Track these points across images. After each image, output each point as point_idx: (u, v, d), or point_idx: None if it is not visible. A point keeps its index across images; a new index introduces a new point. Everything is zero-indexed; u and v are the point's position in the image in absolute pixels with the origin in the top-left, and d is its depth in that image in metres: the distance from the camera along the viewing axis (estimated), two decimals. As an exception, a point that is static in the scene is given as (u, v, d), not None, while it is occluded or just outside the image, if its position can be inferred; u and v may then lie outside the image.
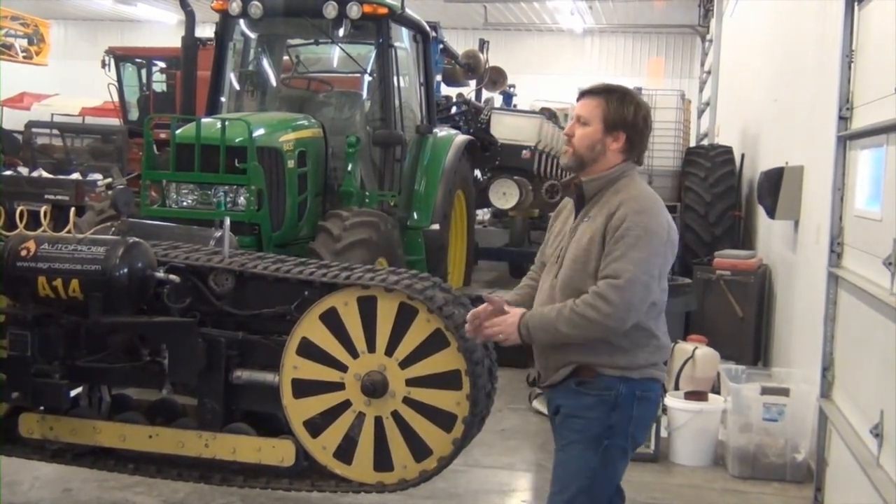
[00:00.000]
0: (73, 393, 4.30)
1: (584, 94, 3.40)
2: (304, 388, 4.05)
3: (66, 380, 4.19)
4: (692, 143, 14.52)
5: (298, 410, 4.06)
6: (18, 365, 4.15)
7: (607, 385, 3.25)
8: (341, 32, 7.81)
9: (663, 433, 6.12)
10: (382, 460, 4.01)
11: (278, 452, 4.11)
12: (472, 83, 13.02)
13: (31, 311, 4.10)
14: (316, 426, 4.06)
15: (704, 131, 16.70)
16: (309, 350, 4.04)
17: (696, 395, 6.24)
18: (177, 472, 4.30)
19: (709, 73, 16.51)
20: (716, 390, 6.58)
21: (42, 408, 4.30)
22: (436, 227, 8.36)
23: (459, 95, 12.06)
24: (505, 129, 11.42)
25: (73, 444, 4.34)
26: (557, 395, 3.37)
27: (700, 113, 17.85)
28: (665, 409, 6.09)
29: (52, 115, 20.56)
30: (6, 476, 5.44)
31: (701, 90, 18.82)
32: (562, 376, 3.30)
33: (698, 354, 6.76)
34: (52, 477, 5.41)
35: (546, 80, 22.68)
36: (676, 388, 6.61)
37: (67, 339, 4.20)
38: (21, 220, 4.37)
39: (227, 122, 6.69)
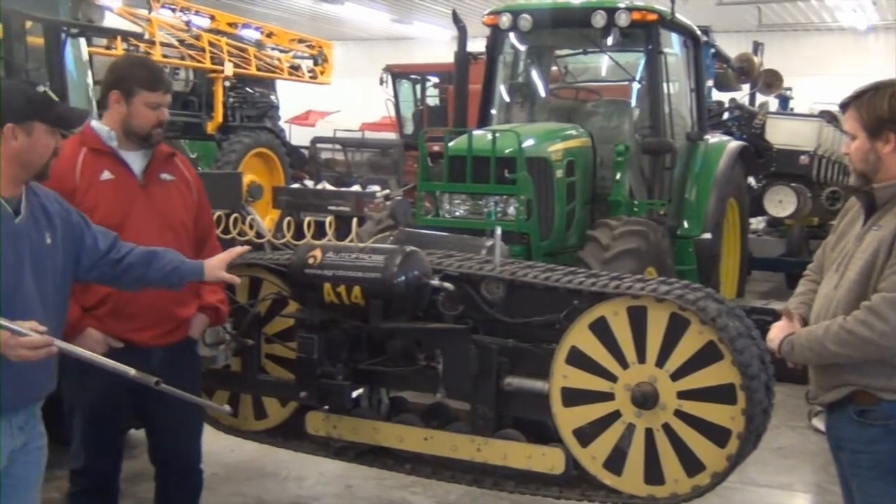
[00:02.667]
0: (354, 394, 4.50)
1: (842, 108, 3.19)
2: (573, 397, 4.05)
3: (349, 381, 4.39)
4: None
5: (568, 419, 4.07)
6: (306, 366, 4.40)
7: (891, 413, 3.02)
8: (610, 41, 7.77)
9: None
10: (653, 473, 3.94)
11: (548, 460, 4.13)
12: (746, 87, 12.59)
13: (318, 316, 4.33)
14: (585, 435, 4.04)
15: None
16: (578, 359, 4.03)
17: None
18: (450, 475, 4.41)
19: None
20: None
21: (326, 407, 4.52)
22: (707, 236, 8.15)
23: (732, 100, 11.71)
24: (781, 133, 10.96)
25: (354, 443, 4.55)
26: (836, 423, 3.18)
27: None
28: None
29: (335, 130, 21.75)
30: (294, 470, 5.81)
31: None
32: (834, 397, 3.11)
33: None
34: (335, 473, 5.71)
35: (825, 81, 21.47)
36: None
37: (350, 342, 4.40)
38: (308, 230, 4.66)
39: (497, 134, 6.81)
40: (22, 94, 3.12)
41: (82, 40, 6.54)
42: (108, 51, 11.76)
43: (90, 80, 6.62)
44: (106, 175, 3.85)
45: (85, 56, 6.69)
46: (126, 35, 10.39)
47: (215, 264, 3.71)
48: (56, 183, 3.77)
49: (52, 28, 6.13)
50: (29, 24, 6.32)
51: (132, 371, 3.18)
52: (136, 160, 3.93)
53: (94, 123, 3.95)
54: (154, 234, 3.83)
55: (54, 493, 4.95)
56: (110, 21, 7.05)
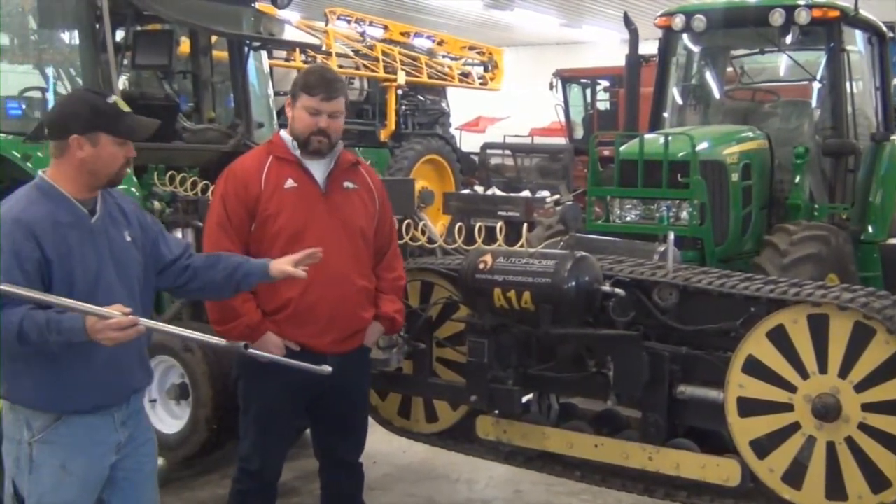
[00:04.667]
0: (524, 399, 4.52)
1: None
2: (750, 408, 3.93)
3: (519, 386, 4.40)
4: None
5: (744, 430, 3.95)
6: (476, 370, 4.44)
7: None
8: (789, 40, 7.51)
9: None
10: (835, 488, 3.77)
11: (723, 471, 4.03)
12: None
13: (488, 320, 4.36)
14: (763, 447, 3.92)
15: None
16: (755, 368, 3.92)
17: None
18: (621, 483, 4.36)
19: None
20: None
21: (496, 411, 4.56)
22: (894, 241, 7.77)
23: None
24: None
25: (524, 448, 4.56)
26: None
27: None
28: None
29: (505, 136, 21.83)
30: (464, 473, 5.86)
31: None
32: None
33: None
34: (505, 477, 5.73)
35: None
36: None
37: (520, 347, 4.41)
38: (479, 235, 4.70)
39: (670, 138, 6.70)
40: (87, 105, 3.16)
41: (263, 53, 6.81)
42: (287, 63, 12.21)
43: (271, 91, 6.89)
44: (290, 183, 3.94)
45: (266, 68, 6.96)
46: (304, 47, 10.72)
47: (283, 261, 3.57)
48: (241, 189, 3.93)
49: (237, 42, 6.40)
50: (214, 38, 6.63)
51: (223, 341, 3.23)
52: (319, 168, 4.00)
53: (282, 133, 4.07)
54: (333, 240, 3.90)
55: (218, 490, 5.18)
56: (289, 34, 7.30)
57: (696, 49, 8.26)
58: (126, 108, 3.22)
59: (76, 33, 5.59)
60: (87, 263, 3.11)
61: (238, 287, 3.57)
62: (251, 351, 3.22)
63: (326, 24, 15.56)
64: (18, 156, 4.97)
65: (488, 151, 16.53)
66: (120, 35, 5.76)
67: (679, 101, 8.30)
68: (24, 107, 6.25)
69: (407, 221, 4.88)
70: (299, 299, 3.87)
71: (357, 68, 14.75)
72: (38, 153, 4.80)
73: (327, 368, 3.41)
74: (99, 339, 2.91)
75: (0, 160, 5.12)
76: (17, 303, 2.91)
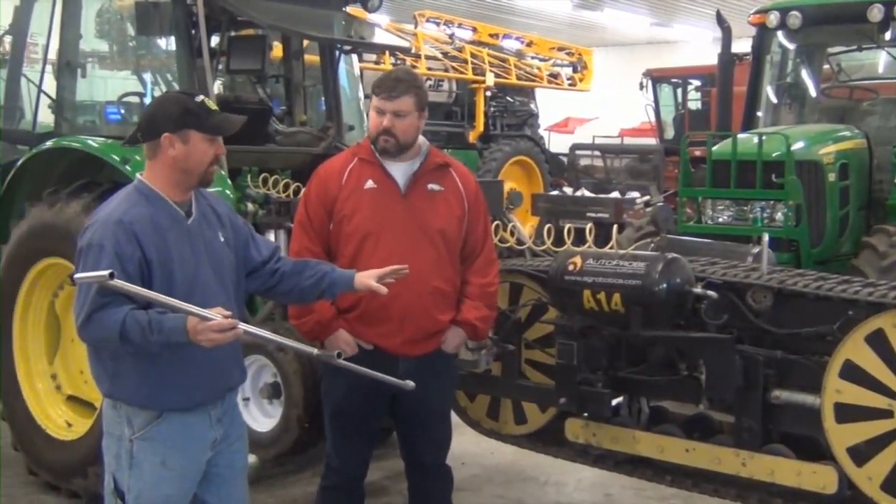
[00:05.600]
0: (614, 402, 4.48)
1: None
2: (847, 414, 3.83)
3: (609, 389, 4.37)
4: None
5: (841, 436, 3.86)
6: (565, 372, 4.42)
7: None
8: (888, 36, 7.30)
9: None
10: (937, 498, 3.67)
11: (819, 478, 3.93)
12: None
13: (578, 322, 4.34)
14: (861, 454, 3.81)
15: None
16: (853, 373, 3.82)
17: None
18: (713, 489, 4.29)
19: None
20: None
21: (586, 414, 4.52)
22: None
23: None
24: None
25: (613, 452, 4.51)
26: None
27: None
28: None
29: (594, 137, 21.70)
30: (553, 475, 5.85)
31: None
32: None
33: None
34: (594, 481, 5.69)
35: None
36: None
37: (609, 350, 4.38)
38: (568, 237, 4.68)
39: (764, 137, 6.58)
40: (177, 105, 3.25)
41: (354, 56, 6.88)
42: (377, 65, 12.32)
43: (361, 94, 6.95)
44: (369, 184, 3.97)
45: (357, 71, 7.03)
46: (394, 50, 10.82)
47: (367, 274, 3.58)
48: (322, 190, 3.99)
49: (328, 46, 6.48)
50: (306, 42, 6.72)
51: (315, 350, 3.30)
52: (401, 170, 4.01)
53: None
54: (409, 241, 3.91)
55: (309, 487, 5.24)
56: (379, 37, 7.37)
57: (791, 46, 8.09)
58: (214, 107, 3.31)
59: (173, 39, 5.71)
60: (186, 264, 3.20)
61: (322, 295, 3.62)
62: (341, 361, 3.29)
63: (416, 27, 15.67)
64: (118, 159, 5.10)
65: (577, 152, 16.45)
66: (215, 41, 5.87)
67: (773, 99, 8.14)
68: (122, 111, 6.42)
69: (496, 223, 4.88)
70: (371, 298, 3.84)
71: (446, 70, 14.82)
72: (136, 157, 4.93)
73: (410, 384, 3.45)
74: (199, 340, 2.99)
75: (101, 164, 5.27)
76: (120, 303, 3.01)
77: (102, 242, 3.09)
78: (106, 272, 2.82)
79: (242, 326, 3.06)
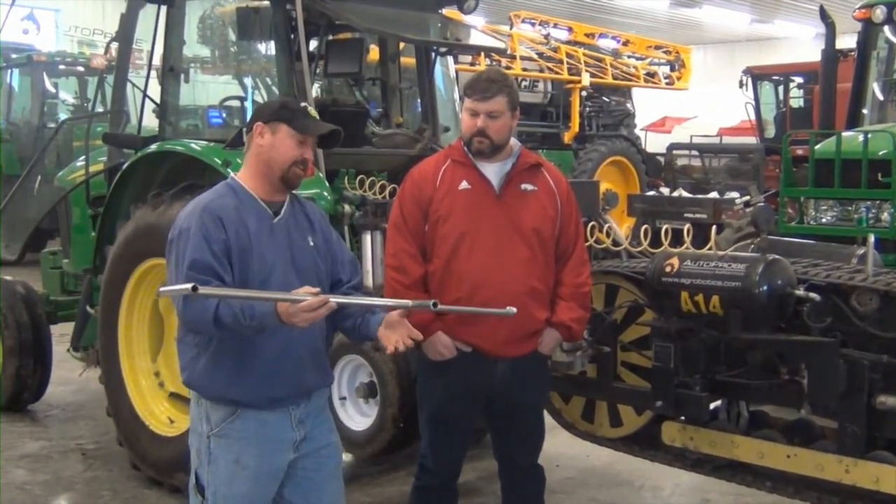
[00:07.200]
0: (712, 406, 4.40)
1: None
2: (957, 421, 3.71)
3: (706, 392, 4.30)
4: None
5: (951, 444, 3.73)
6: (662, 375, 4.36)
7: None
8: None
9: None
10: None
11: (927, 487, 3.81)
12: None
13: (675, 324, 4.28)
14: (972, 463, 3.69)
15: None
16: (964, 379, 3.69)
17: None
18: (816, 496, 4.18)
19: None
20: None
21: (683, 418, 4.46)
22: None
23: None
24: None
25: (711, 456, 4.43)
26: None
27: None
28: None
29: (692, 136, 21.39)
30: (649, 479, 5.78)
31: None
32: None
33: None
34: (691, 485, 5.61)
35: None
36: None
37: (708, 353, 4.30)
38: (665, 238, 4.61)
39: (869, 135, 6.42)
40: (278, 101, 3.40)
41: (450, 58, 6.91)
42: (473, 67, 12.35)
43: (457, 96, 6.97)
44: (464, 185, 3.97)
45: (452, 73, 7.06)
46: (489, 51, 10.83)
47: (391, 323, 3.35)
48: (417, 191, 4.02)
49: (424, 48, 6.52)
50: (402, 45, 6.77)
51: (410, 302, 3.31)
52: (495, 171, 4.00)
53: None
54: (505, 241, 3.91)
55: (404, 487, 5.27)
56: (475, 38, 7.38)
57: (899, 42, 7.87)
58: (314, 114, 3.40)
59: (272, 44, 5.81)
60: (264, 255, 3.26)
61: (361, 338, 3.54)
62: (440, 307, 3.30)
63: (511, 28, 15.65)
64: (219, 162, 5.22)
65: (674, 152, 16.26)
66: (313, 45, 5.96)
67: (879, 96, 7.93)
68: (224, 115, 6.57)
69: (592, 224, 4.84)
70: (468, 300, 3.85)
71: (541, 71, 14.77)
72: (237, 160, 5.02)
73: (512, 310, 3.44)
74: (294, 322, 3.03)
75: (203, 166, 5.39)
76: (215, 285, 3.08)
77: (189, 225, 3.19)
78: (188, 285, 2.85)
79: (334, 299, 3.09)
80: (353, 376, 5.25)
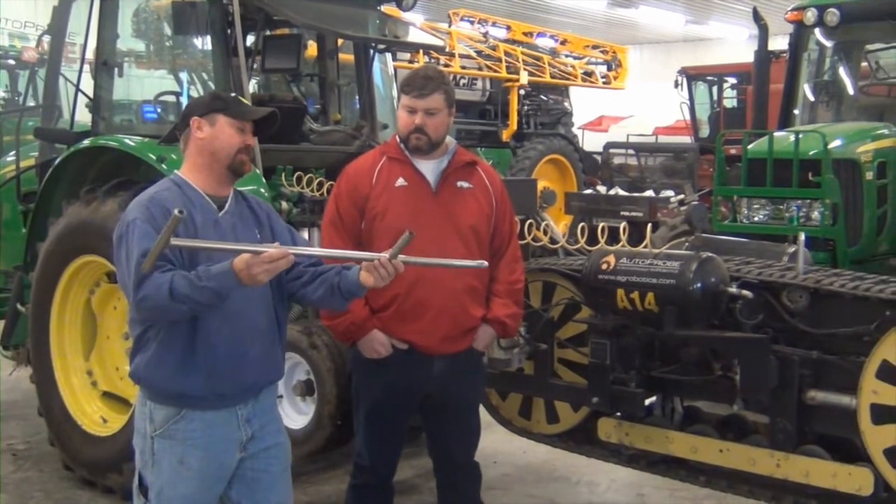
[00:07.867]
0: (647, 402, 4.45)
1: None
2: (884, 415, 3.79)
3: (642, 389, 4.35)
4: None
5: (878, 438, 3.81)
6: (598, 372, 4.40)
7: None
8: (928, 32, 7.23)
9: None
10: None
11: (855, 480, 3.89)
12: None
13: (611, 321, 4.32)
14: (897, 456, 3.78)
15: None
16: (890, 374, 3.77)
17: None
18: (748, 490, 4.25)
19: None
20: None
21: (619, 414, 4.51)
22: None
23: None
24: None
25: (646, 451, 4.49)
26: None
27: None
28: None
29: (628, 135, 21.61)
30: (585, 475, 5.83)
31: None
32: None
33: None
34: (627, 481, 5.67)
35: None
36: None
37: (643, 349, 4.36)
38: (601, 236, 4.66)
39: (800, 135, 6.53)
40: (209, 95, 3.47)
41: (388, 55, 6.89)
42: (411, 64, 12.32)
43: (395, 93, 6.96)
44: (400, 182, 3.98)
45: (391, 70, 7.04)
46: (428, 48, 10.81)
47: (371, 265, 3.23)
48: (353, 188, 4.01)
49: (362, 45, 6.50)
50: (341, 41, 6.73)
51: (382, 255, 3.15)
52: (430, 168, 4.02)
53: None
54: (441, 238, 3.90)
55: (341, 485, 5.26)
56: (414, 36, 7.36)
57: (828, 44, 8.01)
58: (248, 101, 3.41)
59: (209, 39, 5.75)
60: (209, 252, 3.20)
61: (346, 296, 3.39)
62: (407, 259, 3.17)
63: (450, 26, 15.66)
64: (154, 158, 5.15)
65: (611, 151, 16.37)
66: (250, 40, 5.91)
67: (811, 97, 8.06)
68: (159, 111, 6.47)
69: (529, 221, 4.86)
70: (405, 296, 3.87)
71: (479, 69, 14.79)
72: (172, 155, 4.97)
73: (483, 263, 3.38)
74: (254, 275, 2.97)
75: (137, 162, 5.32)
76: (164, 269, 3.02)
77: (136, 216, 3.15)
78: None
79: (294, 251, 3.06)
80: (290, 374, 5.21)
